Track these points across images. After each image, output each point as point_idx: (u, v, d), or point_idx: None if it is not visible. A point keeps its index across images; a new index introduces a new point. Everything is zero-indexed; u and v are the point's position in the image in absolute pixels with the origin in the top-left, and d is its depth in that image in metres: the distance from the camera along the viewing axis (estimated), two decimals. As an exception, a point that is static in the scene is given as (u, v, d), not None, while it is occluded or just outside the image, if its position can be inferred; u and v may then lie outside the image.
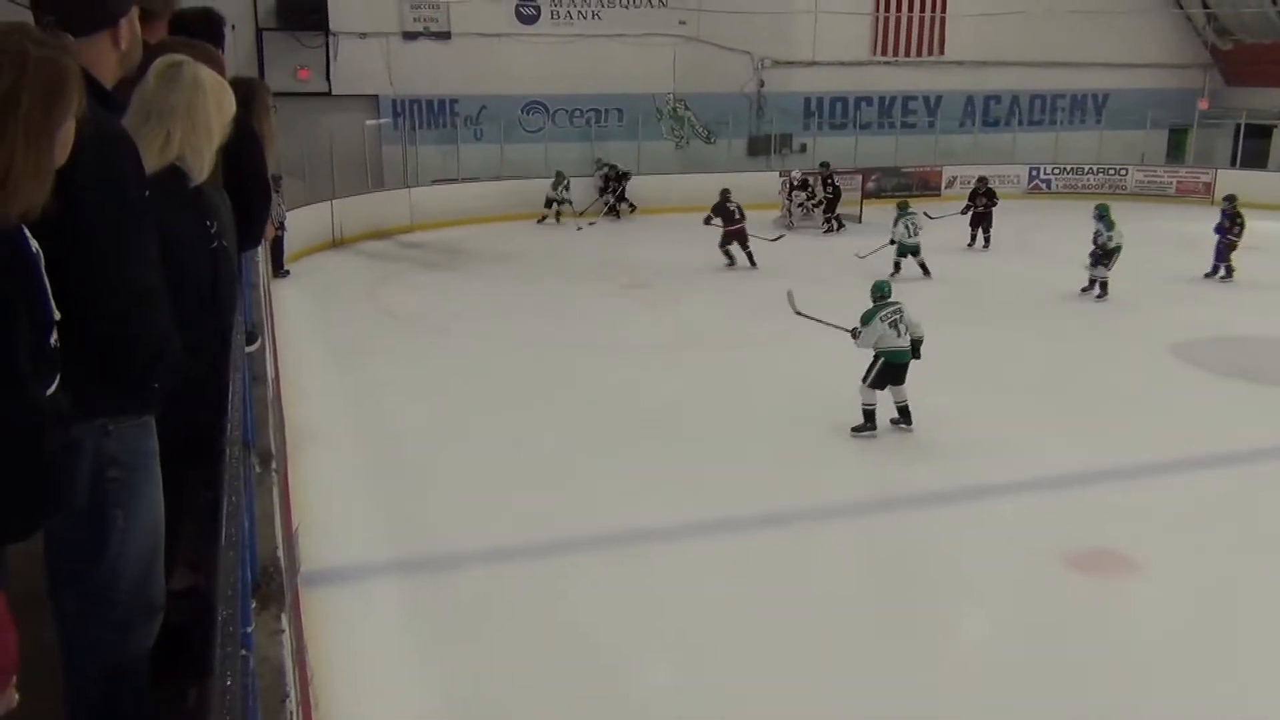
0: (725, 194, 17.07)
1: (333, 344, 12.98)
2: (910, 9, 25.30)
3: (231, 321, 2.61)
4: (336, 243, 18.86)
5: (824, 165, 21.34)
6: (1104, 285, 14.82)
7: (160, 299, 2.00)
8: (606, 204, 21.73)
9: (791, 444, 9.42)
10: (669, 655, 6.30)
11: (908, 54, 25.58)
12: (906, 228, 16.04)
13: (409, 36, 22.13)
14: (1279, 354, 12.53)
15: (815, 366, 11.73)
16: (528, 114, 23.31)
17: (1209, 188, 24.64)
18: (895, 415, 9.61)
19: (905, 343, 9.33)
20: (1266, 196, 23.25)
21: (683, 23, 23.58)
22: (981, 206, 18.86)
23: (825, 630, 6.46)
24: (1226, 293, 15.45)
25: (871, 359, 9.41)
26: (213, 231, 2.36)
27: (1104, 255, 14.77)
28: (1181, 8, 26.79)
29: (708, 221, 17.10)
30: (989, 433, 9.72)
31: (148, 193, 1.98)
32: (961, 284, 16.18)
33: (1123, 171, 25.58)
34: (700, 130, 24.49)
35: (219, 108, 2.35)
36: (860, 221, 21.23)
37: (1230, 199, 16.43)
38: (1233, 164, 25.22)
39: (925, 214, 17.59)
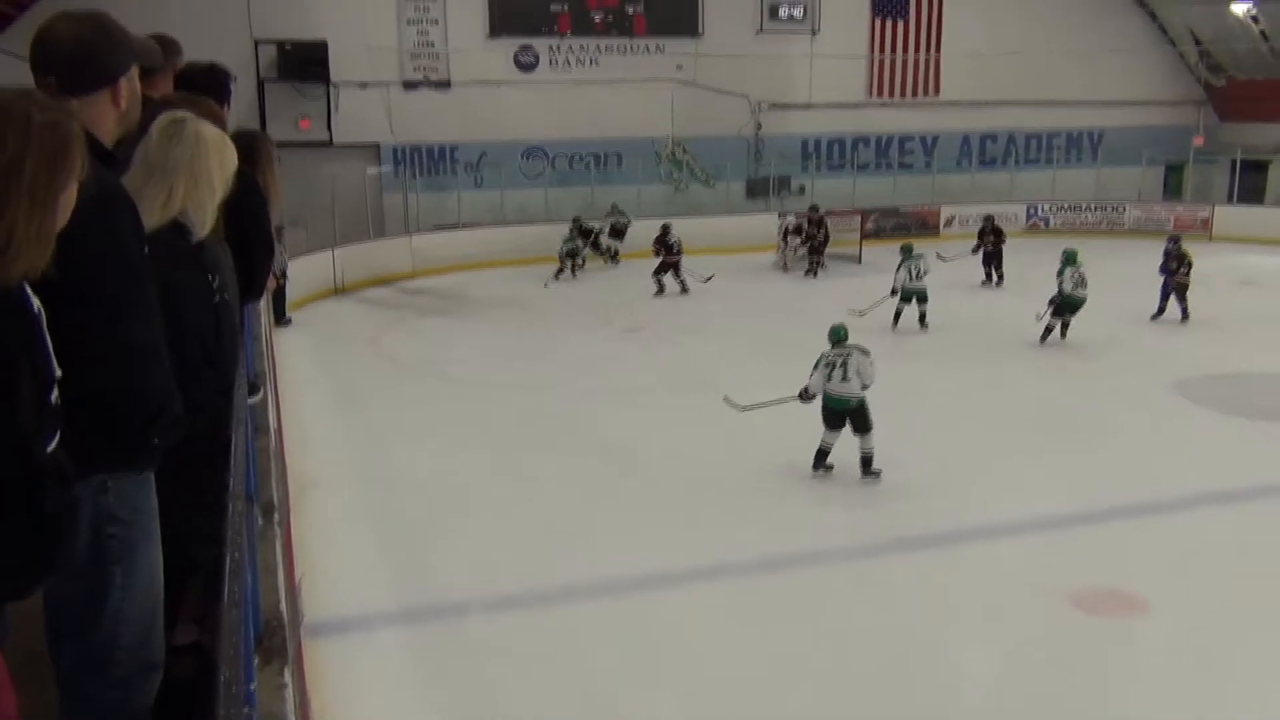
0: (666, 229, 18.74)
1: (335, 392, 12.98)
2: (905, 51, 25.55)
3: (234, 375, 2.61)
4: (338, 290, 18.93)
5: (813, 208, 21.28)
6: (1063, 328, 14.50)
7: (161, 356, 2.01)
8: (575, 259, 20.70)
9: (791, 487, 9.41)
10: (676, 703, 6.24)
11: (903, 95, 25.79)
12: (909, 271, 15.63)
13: (409, 86, 22.35)
14: (1281, 390, 12.52)
15: (812, 410, 11.73)
16: (528, 160, 23.46)
17: (1207, 223, 24.74)
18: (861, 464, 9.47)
19: (847, 389, 9.21)
20: (1264, 231, 23.39)
21: (680, 68, 23.81)
22: (990, 245, 19.02)
23: (831, 674, 6.41)
24: (1227, 329, 15.42)
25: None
26: (215, 286, 2.37)
27: (1065, 305, 14.39)
28: (1174, 45, 27.03)
29: (657, 253, 18.63)
30: (993, 471, 9.70)
31: (147, 249, 1.99)
32: (963, 323, 16.19)
33: (1120, 208, 25.69)
34: (699, 173, 24.64)
35: (221, 163, 2.36)
36: (860, 262, 21.29)
37: (1174, 239, 16.28)
38: (1229, 199, 25.36)
39: (939, 255, 17.63)
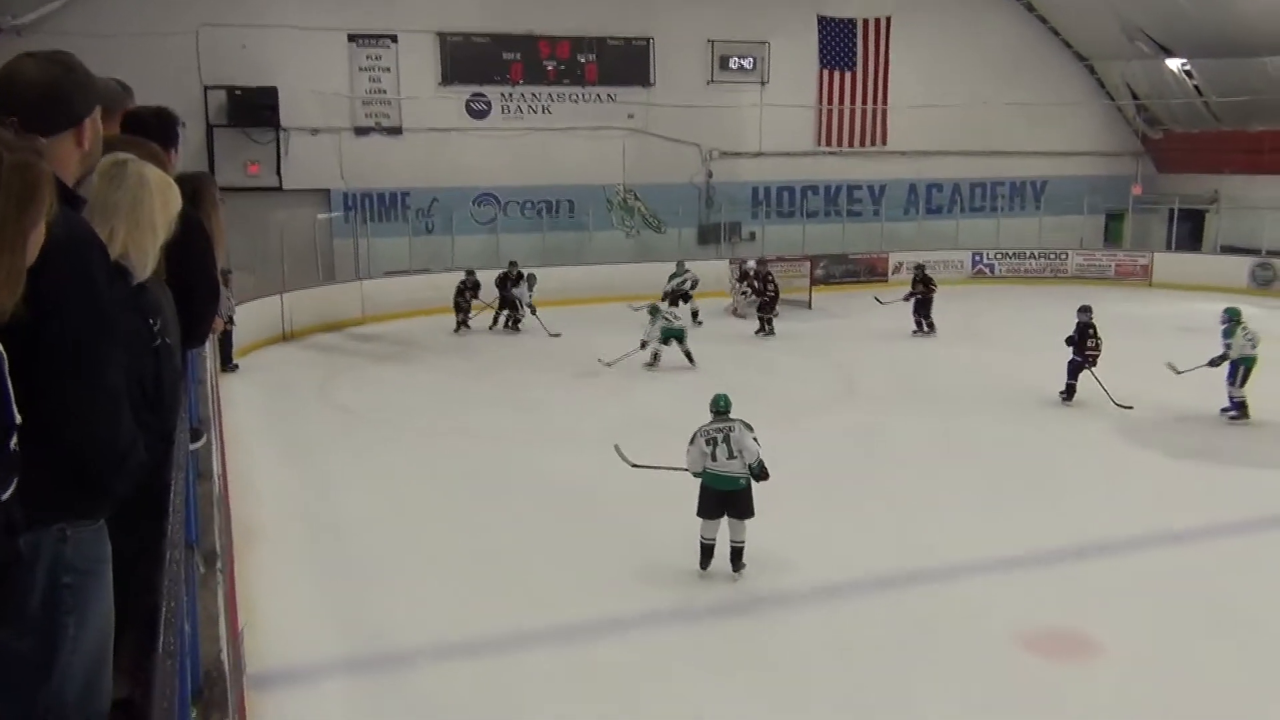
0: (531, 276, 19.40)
1: (282, 439, 12.80)
2: (852, 102, 26.02)
3: (175, 421, 2.56)
4: (287, 336, 18.73)
5: (760, 262, 20.71)
6: (1240, 406, 13.19)
7: (124, 402, 1.97)
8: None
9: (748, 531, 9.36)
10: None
11: (851, 144, 26.24)
12: (669, 318, 16.54)
13: (360, 132, 22.35)
14: (1229, 434, 12.74)
15: (767, 452, 11.76)
16: (479, 206, 23.50)
17: (1147, 270, 25.41)
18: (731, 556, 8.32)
19: (730, 467, 8.06)
20: (1201, 278, 24.01)
21: (631, 116, 24.05)
22: (920, 294, 19.07)
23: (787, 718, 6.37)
24: (1168, 374, 15.67)
25: None
26: (155, 329, 2.33)
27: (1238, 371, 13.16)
28: (1113, 99, 27.81)
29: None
30: (941, 515, 9.76)
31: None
32: (909, 371, 16.38)
33: (1063, 255, 26.24)
34: (651, 220, 24.80)
35: (163, 205, 2.34)
36: (810, 308, 21.50)
37: (1085, 310, 14.18)
38: (1168, 247, 26.01)
39: (876, 299, 17.76)
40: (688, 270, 20.39)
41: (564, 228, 23.71)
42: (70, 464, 1.85)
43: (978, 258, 26.19)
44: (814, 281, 22.70)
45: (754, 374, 15.87)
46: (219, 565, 3.96)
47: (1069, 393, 14.12)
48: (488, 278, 19.88)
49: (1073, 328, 14.11)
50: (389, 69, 22.33)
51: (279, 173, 21.43)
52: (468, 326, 19.57)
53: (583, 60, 23.53)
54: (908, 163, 26.57)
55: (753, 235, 25.26)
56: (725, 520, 8.26)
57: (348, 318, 20.05)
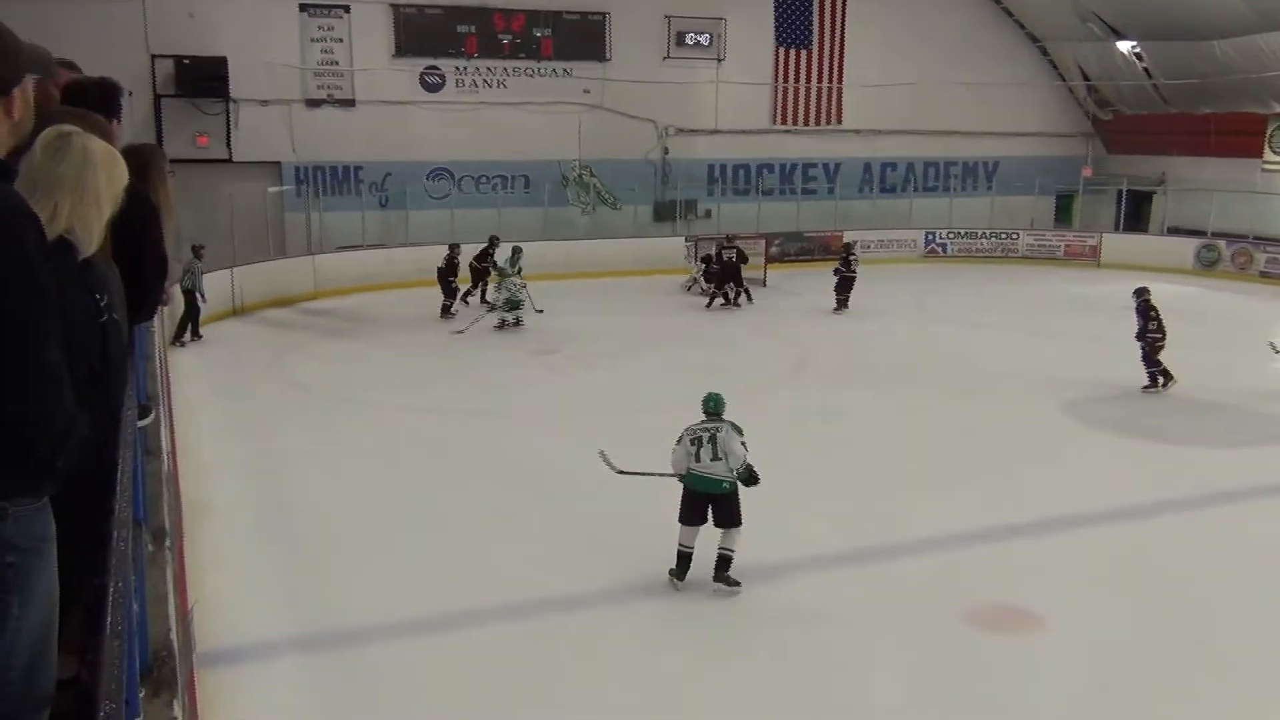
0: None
1: (233, 415, 12.66)
2: (808, 80, 26.07)
3: (122, 398, 2.52)
4: (237, 311, 18.50)
5: (730, 239, 20.46)
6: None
7: (65, 378, 1.94)
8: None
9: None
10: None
11: (806, 123, 26.31)
12: (511, 289, 17.26)
13: (313, 104, 22.04)
14: (1172, 413, 12.98)
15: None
16: (433, 181, 23.30)
17: (1095, 250, 25.77)
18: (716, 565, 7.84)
19: (713, 469, 7.72)
20: (1147, 259, 24.41)
21: (587, 91, 23.92)
22: (840, 272, 19.16)
23: (734, 697, 6.43)
24: (1119, 353, 15.94)
25: None
26: (102, 305, 2.29)
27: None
28: (1065, 81, 28.11)
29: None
30: (891, 492, 9.88)
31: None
32: (861, 348, 16.53)
33: (1014, 236, 26.54)
34: (606, 196, 24.73)
35: (109, 179, 2.29)
36: (765, 285, 21.57)
37: (1141, 291, 14.12)
38: (1116, 228, 26.40)
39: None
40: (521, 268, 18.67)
41: (519, 204, 23.57)
42: (10, 441, 1.82)
43: (930, 237, 26.42)
44: (769, 259, 22.78)
45: (707, 350, 15.93)
46: (168, 543, 3.93)
47: (1165, 377, 13.64)
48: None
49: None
50: (341, 40, 22.02)
51: (229, 144, 21.10)
52: (465, 304, 19.32)
53: (538, 34, 23.34)
54: (862, 142, 26.71)
55: (709, 213, 25.28)
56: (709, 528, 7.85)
57: (300, 293, 19.82)
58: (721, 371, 13.62)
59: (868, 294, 19.16)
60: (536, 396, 13.56)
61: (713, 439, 7.73)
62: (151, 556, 3.46)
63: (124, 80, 4.10)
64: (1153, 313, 13.65)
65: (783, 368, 15.20)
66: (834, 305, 19.13)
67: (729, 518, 7.78)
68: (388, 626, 7.27)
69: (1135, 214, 26.61)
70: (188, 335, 16.19)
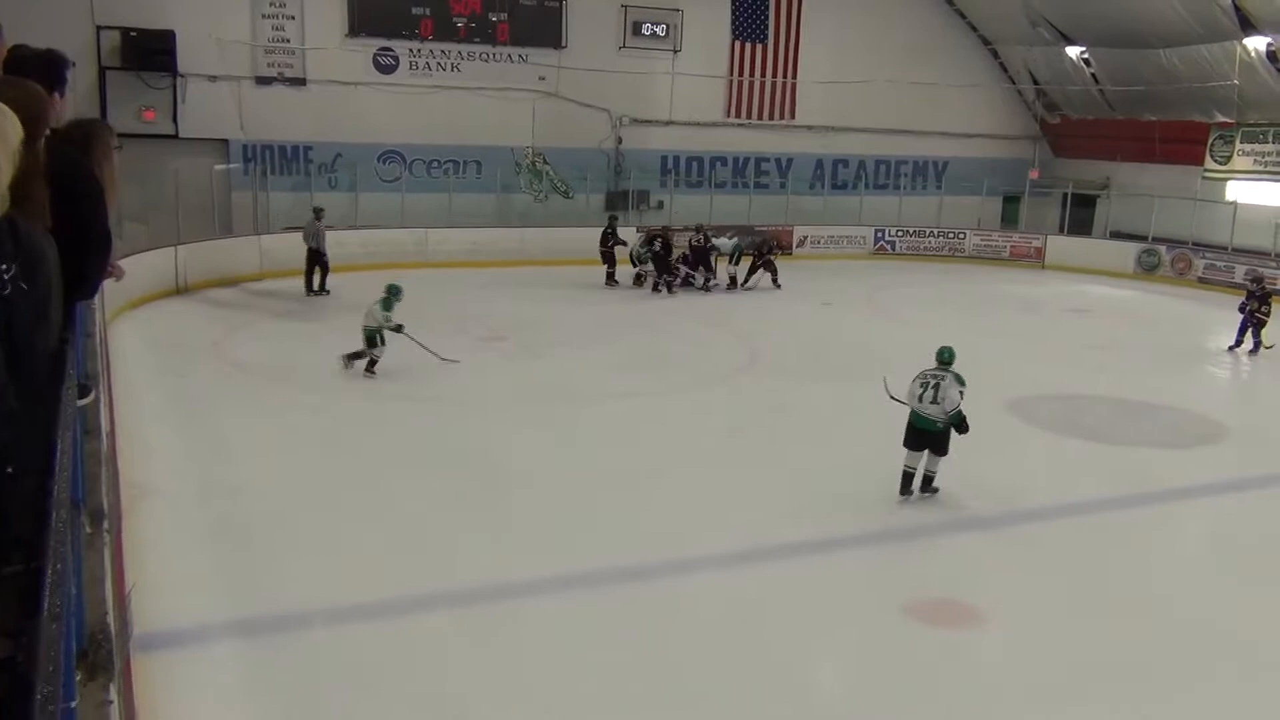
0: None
1: (175, 395, 12.45)
2: (763, 74, 26.18)
3: (32, 373, 2.37)
4: (180, 290, 18.19)
5: (701, 228, 21.65)
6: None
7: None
8: None
9: (650, 499, 9.46)
10: (533, 717, 6.19)
11: (760, 117, 26.43)
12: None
13: (262, 81, 21.70)
14: (1113, 413, 13.25)
15: (672, 421, 11.89)
16: (384, 163, 23.07)
17: (1040, 252, 26.22)
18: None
19: (929, 410, 9.17)
20: (1090, 262, 24.93)
21: (542, 78, 23.82)
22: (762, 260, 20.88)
23: (675, 687, 6.46)
24: (1058, 353, 16.26)
25: None
26: (6, 277, 2.16)
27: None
28: (1014, 83, 28.49)
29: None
30: (838, 483, 9.96)
31: None
32: (810, 341, 16.63)
33: (961, 235, 26.88)
34: (559, 184, 24.64)
35: (2, 139, 2.19)
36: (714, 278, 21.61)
37: (1256, 279, 16.80)
38: (1061, 230, 26.86)
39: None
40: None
41: (471, 189, 23.41)
42: None
43: (879, 234, 26.66)
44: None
45: (659, 341, 15.96)
46: (106, 524, 3.86)
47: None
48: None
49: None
50: (294, 17, 21.70)
51: (175, 120, 20.74)
52: (617, 282, 20.65)
53: (494, 19, 23.18)
54: (815, 137, 26.89)
55: (661, 204, 25.31)
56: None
57: (245, 272, 19.54)
58: (668, 362, 13.68)
59: (818, 289, 19.32)
60: (485, 383, 13.49)
61: (936, 385, 9.16)
62: (89, 538, 3.40)
63: (67, 51, 3.99)
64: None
65: (732, 360, 15.26)
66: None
67: (938, 449, 9.31)
68: (330, 611, 7.20)
69: (1079, 217, 27.07)
70: (317, 284, 18.44)
